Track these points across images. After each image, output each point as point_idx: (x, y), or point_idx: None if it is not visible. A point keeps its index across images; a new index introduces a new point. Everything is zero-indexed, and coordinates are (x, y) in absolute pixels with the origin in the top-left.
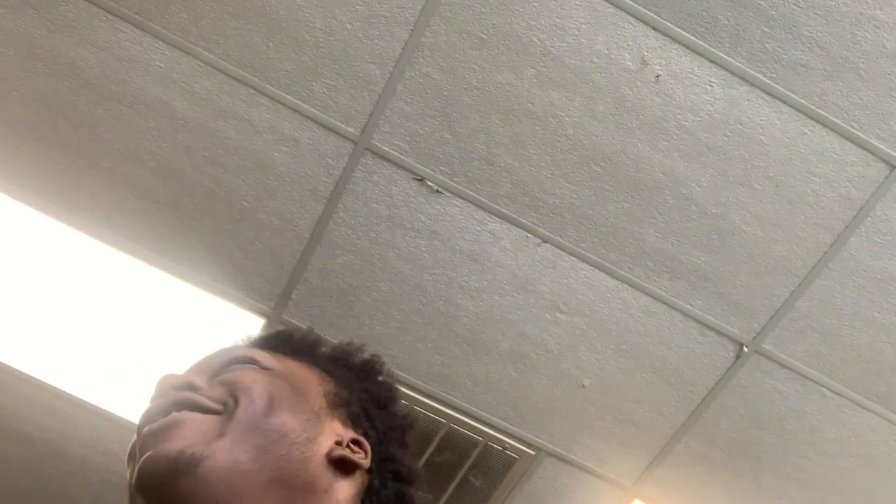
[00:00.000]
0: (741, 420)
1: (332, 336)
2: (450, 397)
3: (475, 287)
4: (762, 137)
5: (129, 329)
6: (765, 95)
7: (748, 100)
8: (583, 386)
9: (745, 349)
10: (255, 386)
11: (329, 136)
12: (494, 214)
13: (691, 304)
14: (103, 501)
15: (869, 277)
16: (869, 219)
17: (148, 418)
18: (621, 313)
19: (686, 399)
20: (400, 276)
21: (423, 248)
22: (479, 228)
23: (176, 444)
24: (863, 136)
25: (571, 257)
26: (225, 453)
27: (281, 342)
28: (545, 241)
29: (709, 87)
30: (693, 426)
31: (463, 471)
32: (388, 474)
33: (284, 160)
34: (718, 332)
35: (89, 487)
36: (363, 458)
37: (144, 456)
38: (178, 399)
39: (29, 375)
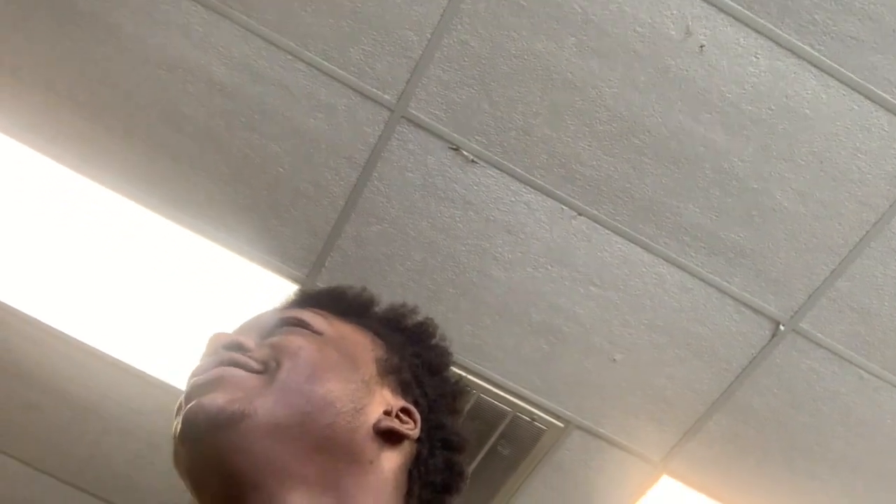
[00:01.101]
0: (775, 399)
1: None
2: (480, 367)
3: (508, 258)
4: (808, 111)
5: (165, 291)
6: (812, 68)
7: (794, 73)
8: (614, 360)
9: (782, 328)
10: (301, 351)
11: (365, 103)
12: (530, 185)
13: (728, 281)
14: (138, 459)
15: None
16: None
17: (195, 373)
18: (656, 288)
19: (719, 376)
20: (433, 245)
21: (458, 218)
22: (513, 199)
23: (219, 397)
24: None
25: (607, 230)
26: (267, 413)
27: (333, 300)
28: (580, 214)
29: (754, 59)
30: (725, 404)
31: (491, 441)
32: (437, 443)
33: (320, 127)
34: (755, 310)
35: (124, 445)
36: (412, 429)
37: (188, 406)
38: (225, 357)
39: (67, 335)
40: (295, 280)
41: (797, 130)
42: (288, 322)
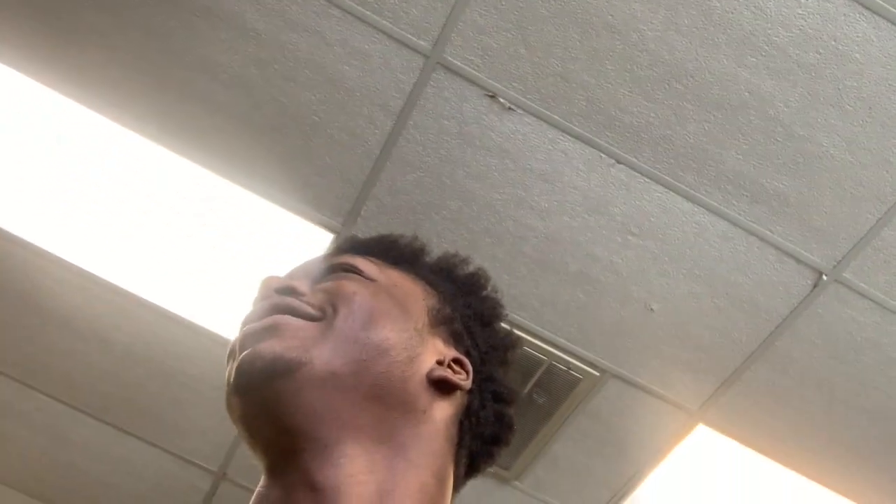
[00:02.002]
0: (815, 349)
1: None
2: (516, 317)
3: (545, 207)
4: (857, 55)
5: (203, 239)
6: (862, 10)
7: (844, 14)
8: (651, 310)
9: (825, 277)
10: (356, 297)
11: (400, 49)
12: (567, 133)
13: (771, 230)
14: (181, 403)
15: None
16: None
17: (248, 319)
18: (696, 238)
19: (759, 326)
20: (469, 194)
21: (494, 167)
22: (550, 147)
23: (275, 345)
24: None
25: (646, 179)
26: (324, 362)
27: (384, 249)
28: (619, 162)
29: (802, 1)
30: (764, 353)
31: (527, 389)
32: (487, 395)
33: (355, 74)
34: (797, 260)
35: (167, 390)
36: (464, 379)
37: (242, 354)
38: (279, 303)
39: (109, 282)
40: (330, 229)
41: (845, 75)
42: (340, 268)
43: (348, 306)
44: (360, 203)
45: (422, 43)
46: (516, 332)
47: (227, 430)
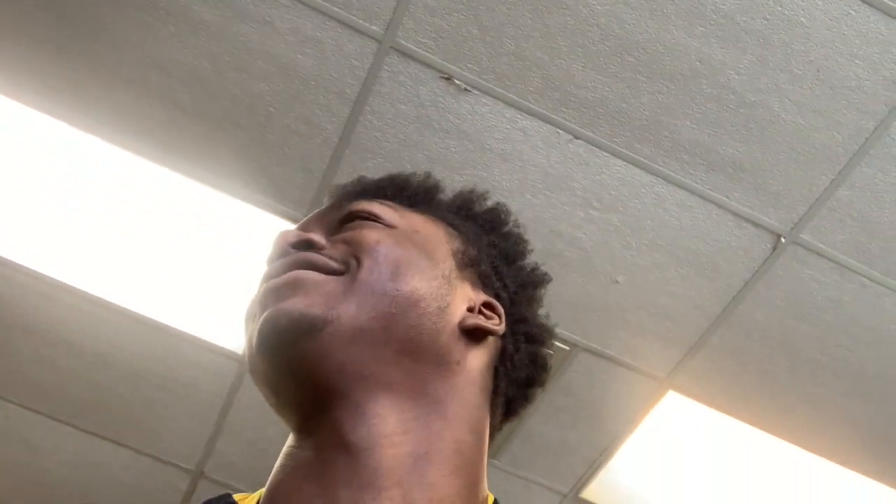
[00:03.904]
0: (778, 311)
1: None
2: None
3: (507, 186)
4: (803, 20)
5: (164, 237)
6: None
7: None
8: (617, 282)
9: (783, 240)
10: (380, 247)
11: (352, 35)
12: (524, 111)
13: (728, 197)
14: (154, 404)
15: None
16: None
17: (268, 276)
18: (656, 208)
19: (722, 292)
20: None
21: (453, 149)
22: (509, 127)
23: (298, 302)
24: None
25: (604, 153)
26: (351, 318)
27: (397, 190)
28: (577, 137)
29: None
30: (728, 318)
31: None
32: (520, 336)
33: (308, 63)
34: (755, 224)
35: (139, 392)
36: (497, 325)
37: (264, 315)
38: (299, 259)
39: (72, 286)
40: (293, 220)
41: (793, 39)
42: (357, 215)
43: (373, 257)
44: (322, 192)
45: (374, 28)
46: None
47: (202, 428)
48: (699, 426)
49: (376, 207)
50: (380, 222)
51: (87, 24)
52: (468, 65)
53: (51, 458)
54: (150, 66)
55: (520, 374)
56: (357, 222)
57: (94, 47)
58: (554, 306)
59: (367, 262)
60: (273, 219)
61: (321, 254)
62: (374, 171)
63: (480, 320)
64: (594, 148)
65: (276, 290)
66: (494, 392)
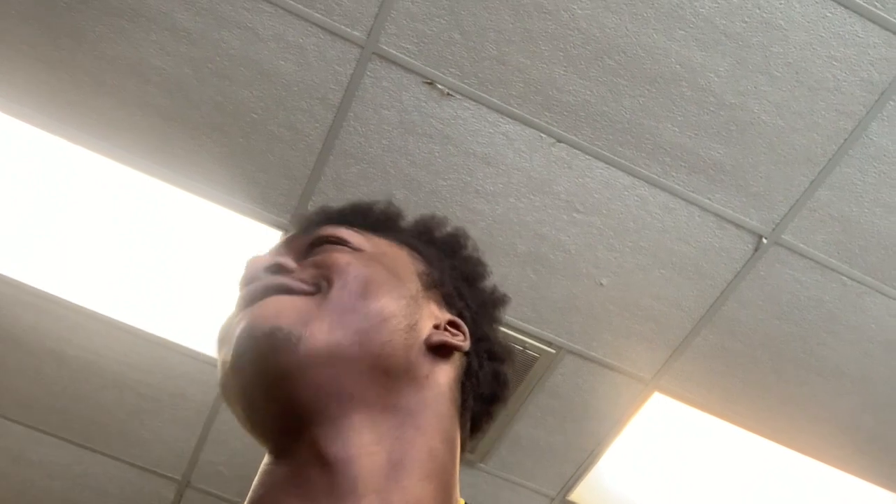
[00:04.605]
0: (760, 311)
1: None
2: None
3: (490, 190)
4: (781, 22)
5: (150, 246)
6: None
7: None
8: (601, 284)
9: (765, 241)
10: (350, 268)
11: (335, 41)
12: (507, 115)
13: (710, 198)
14: (139, 413)
15: (890, 162)
16: (891, 102)
17: (242, 300)
18: (639, 210)
19: (705, 293)
20: (414, 182)
21: (437, 154)
22: (492, 131)
23: (272, 320)
24: (886, 16)
25: (587, 156)
26: (325, 335)
27: (361, 216)
28: (560, 141)
29: None
30: (712, 319)
31: None
32: (483, 354)
33: (291, 69)
34: (737, 225)
35: (124, 401)
36: (463, 341)
37: (239, 329)
38: (271, 283)
39: (55, 295)
40: (278, 226)
41: (771, 42)
42: (325, 240)
43: (343, 278)
44: (306, 198)
45: (356, 33)
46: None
47: (188, 437)
48: (685, 427)
49: (343, 232)
50: (348, 246)
51: (68, 32)
52: (451, 69)
53: (35, 470)
54: (132, 74)
55: (484, 390)
56: (326, 246)
57: (75, 55)
58: (539, 309)
59: (338, 283)
60: (257, 225)
61: (292, 277)
62: (359, 176)
63: (447, 337)
64: (577, 151)
65: (250, 311)
66: (463, 406)
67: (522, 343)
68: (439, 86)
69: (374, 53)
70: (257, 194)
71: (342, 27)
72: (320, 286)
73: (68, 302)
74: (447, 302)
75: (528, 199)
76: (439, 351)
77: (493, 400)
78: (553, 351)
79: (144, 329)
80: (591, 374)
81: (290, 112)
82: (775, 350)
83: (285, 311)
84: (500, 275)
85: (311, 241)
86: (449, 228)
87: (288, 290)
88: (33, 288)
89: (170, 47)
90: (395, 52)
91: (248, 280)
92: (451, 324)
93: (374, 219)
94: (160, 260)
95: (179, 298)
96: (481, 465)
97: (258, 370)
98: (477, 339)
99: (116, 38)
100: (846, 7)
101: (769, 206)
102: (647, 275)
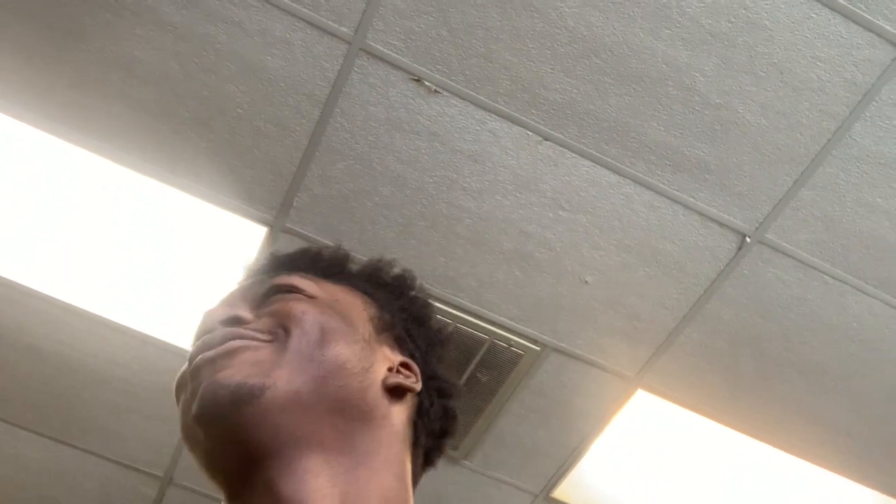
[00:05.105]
0: (743, 310)
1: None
2: (455, 298)
3: (477, 188)
4: (766, 22)
5: (133, 241)
6: None
7: None
8: (586, 282)
9: (748, 239)
10: (306, 317)
11: (322, 36)
12: (494, 113)
13: (694, 197)
14: (119, 409)
15: (873, 163)
16: (874, 103)
17: (199, 349)
18: (623, 209)
19: (688, 291)
20: (401, 179)
21: (423, 151)
22: (478, 128)
23: (235, 373)
24: (870, 17)
25: (573, 154)
26: (285, 383)
27: (311, 262)
28: (546, 139)
29: None
30: (695, 317)
31: (470, 368)
32: (433, 392)
33: (278, 64)
34: (721, 224)
35: (104, 397)
36: (415, 382)
37: (203, 386)
38: (228, 334)
39: (34, 290)
40: (263, 223)
41: (757, 42)
42: (279, 289)
43: (301, 326)
44: (292, 194)
45: (343, 29)
46: (446, 309)
47: (170, 433)
48: (668, 424)
49: (297, 280)
50: (302, 294)
51: (53, 25)
52: (438, 66)
53: (14, 466)
54: (117, 67)
55: (435, 427)
56: (280, 295)
57: (60, 48)
58: (524, 306)
59: (295, 332)
60: (242, 221)
61: (249, 328)
62: (345, 172)
63: (401, 379)
64: (563, 149)
65: (211, 362)
66: (415, 443)
67: (507, 340)
68: (426, 83)
69: (361, 49)
70: (243, 190)
71: (329, 23)
72: (277, 335)
73: (47, 296)
74: (399, 344)
75: (514, 197)
76: (394, 392)
77: (443, 435)
78: (537, 348)
79: (125, 324)
80: (574, 372)
81: (277, 108)
82: (758, 348)
83: (247, 364)
84: (486, 272)
85: (266, 290)
86: (397, 270)
87: (245, 341)
88: (11, 282)
89: (156, 41)
90: (382, 48)
91: (205, 332)
92: (404, 365)
93: (325, 264)
94: (142, 255)
95: (162, 294)
96: (465, 462)
97: (224, 423)
98: (427, 378)
99: (101, 32)
100: (831, 8)
101: (753, 205)
102: (631, 273)
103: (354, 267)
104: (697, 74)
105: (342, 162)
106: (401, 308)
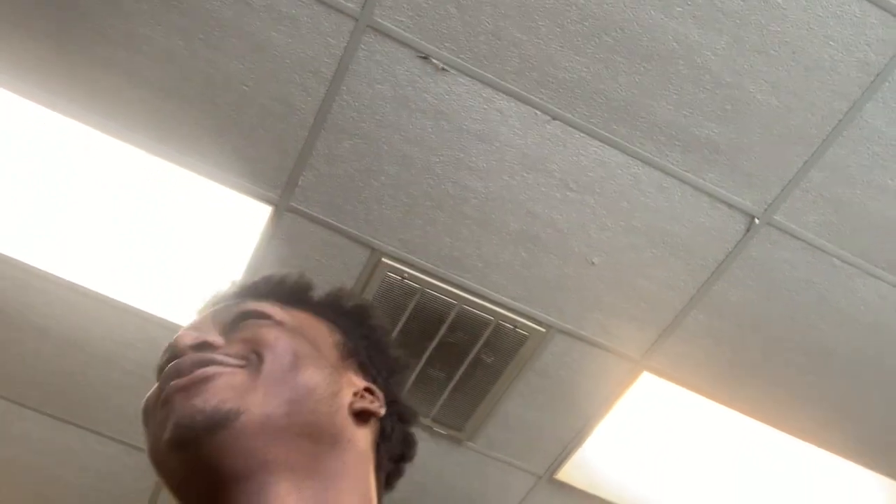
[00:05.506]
0: (750, 292)
1: (343, 222)
2: (461, 279)
3: (484, 167)
4: (779, 1)
5: (137, 220)
6: None
7: None
8: (593, 263)
9: (757, 221)
10: (279, 343)
11: (329, 12)
12: (502, 92)
13: (703, 178)
14: (124, 389)
15: (884, 144)
16: (886, 84)
17: (170, 375)
18: (632, 189)
19: (696, 273)
20: (407, 158)
21: (430, 130)
22: (486, 107)
23: (209, 398)
24: None
25: (581, 134)
26: (259, 407)
27: (274, 287)
28: (554, 118)
29: None
30: (702, 299)
31: (475, 350)
32: (394, 417)
33: (283, 41)
34: (730, 205)
35: (109, 376)
36: (379, 407)
37: (177, 412)
38: (200, 358)
39: (40, 269)
40: (268, 202)
41: (769, 20)
42: (248, 315)
43: (273, 351)
44: (297, 173)
45: (350, 5)
46: (451, 290)
47: None
48: (673, 407)
49: (266, 307)
50: (270, 319)
51: (58, 3)
52: (445, 44)
53: (19, 445)
54: (121, 44)
55: (395, 451)
56: (249, 321)
57: (63, 24)
58: (531, 288)
59: (268, 357)
60: (247, 200)
61: (220, 352)
62: (351, 151)
63: (366, 403)
64: (571, 129)
65: (184, 389)
66: (377, 467)
67: (513, 322)
68: (434, 60)
69: (368, 26)
70: (247, 169)
71: None
72: (250, 360)
73: (51, 275)
74: (362, 370)
75: (521, 177)
76: (359, 417)
77: (402, 459)
78: (543, 330)
79: (130, 304)
80: (580, 354)
81: (282, 85)
82: (764, 331)
83: (221, 389)
84: (492, 253)
85: (234, 316)
86: (357, 300)
87: (217, 365)
88: (16, 260)
89: (161, 17)
90: (389, 24)
91: (173, 357)
92: (368, 390)
93: (289, 291)
94: (147, 234)
95: (166, 273)
96: (469, 443)
97: (199, 449)
98: (388, 402)
99: (107, 8)
100: None
101: (762, 186)
102: (638, 254)
103: (317, 295)
104: (708, 53)
105: (348, 140)
106: (362, 335)
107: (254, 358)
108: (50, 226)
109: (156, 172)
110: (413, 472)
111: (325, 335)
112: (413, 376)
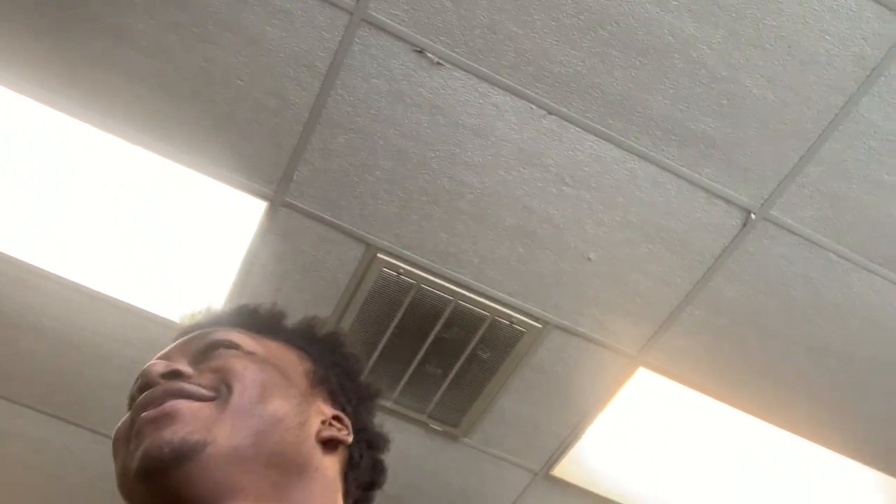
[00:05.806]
0: (747, 287)
1: (338, 218)
2: (456, 274)
3: (479, 162)
4: None
5: (132, 216)
6: None
7: None
8: (589, 259)
9: (753, 216)
10: (247, 373)
11: (323, 6)
12: (498, 86)
13: (699, 173)
14: (121, 387)
15: (880, 139)
16: (882, 78)
17: (142, 406)
18: (628, 184)
19: (692, 268)
20: (402, 153)
21: (426, 124)
22: (482, 101)
23: (178, 430)
24: None
25: (577, 128)
26: (226, 439)
27: (247, 317)
28: (550, 113)
29: None
30: (698, 295)
31: (471, 346)
32: (363, 444)
33: (278, 35)
34: (726, 200)
35: (105, 374)
36: (347, 435)
37: (145, 443)
38: (170, 388)
39: (36, 267)
40: (263, 197)
41: (765, 14)
42: (219, 344)
43: (242, 383)
44: (292, 168)
45: None
46: (447, 286)
47: None
48: (669, 403)
49: (236, 336)
50: (240, 350)
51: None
52: (441, 37)
53: (17, 444)
54: (115, 37)
55: (364, 478)
56: (220, 350)
57: (58, 20)
58: (527, 283)
59: (237, 388)
60: (242, 196)
61: (190, 382)
62: (346, 146)
63: (334, 431)
64: (567, 123)
65: (154, 421)
66: (345, 494)
67: (509, 317)
68: (429, 54)
69: (362, 20)
70: (242, 164)
71: None
72: (220, 391)
73: (48, 273)
74: (332, 397)
75: (517, 172)
76: (327, 445)
77: (371, 487)
78: (539, 326)
79: (126, 301)
80: (576, 350)
81: (277, 79)
82: (761, 326)
83: (190, 420)
84: (488, 248)
85: (205, 345)
86: (329, 328)
87: (187, 396)
88: (12, 258)
89: (155, 11)
90: (384, 18)
91: (145, 386)
92: (336, 418)
93: (261, 320)
94: (141, 230)
95: (162, 269)
96: (465, 439)
97: (167, 480)
98: (357, 430)
99: (102, 3)
100: None
101: (758, 180)
102: (634, 249)
103: (289, 324)
104: (704, 47)
105: (343, 135)
106: (333, 363)
107: (223, 389)
108: (44, 222)
109: (150, 168)
110: (409, 468)
111: (294, 364)
112: (408, 372)
